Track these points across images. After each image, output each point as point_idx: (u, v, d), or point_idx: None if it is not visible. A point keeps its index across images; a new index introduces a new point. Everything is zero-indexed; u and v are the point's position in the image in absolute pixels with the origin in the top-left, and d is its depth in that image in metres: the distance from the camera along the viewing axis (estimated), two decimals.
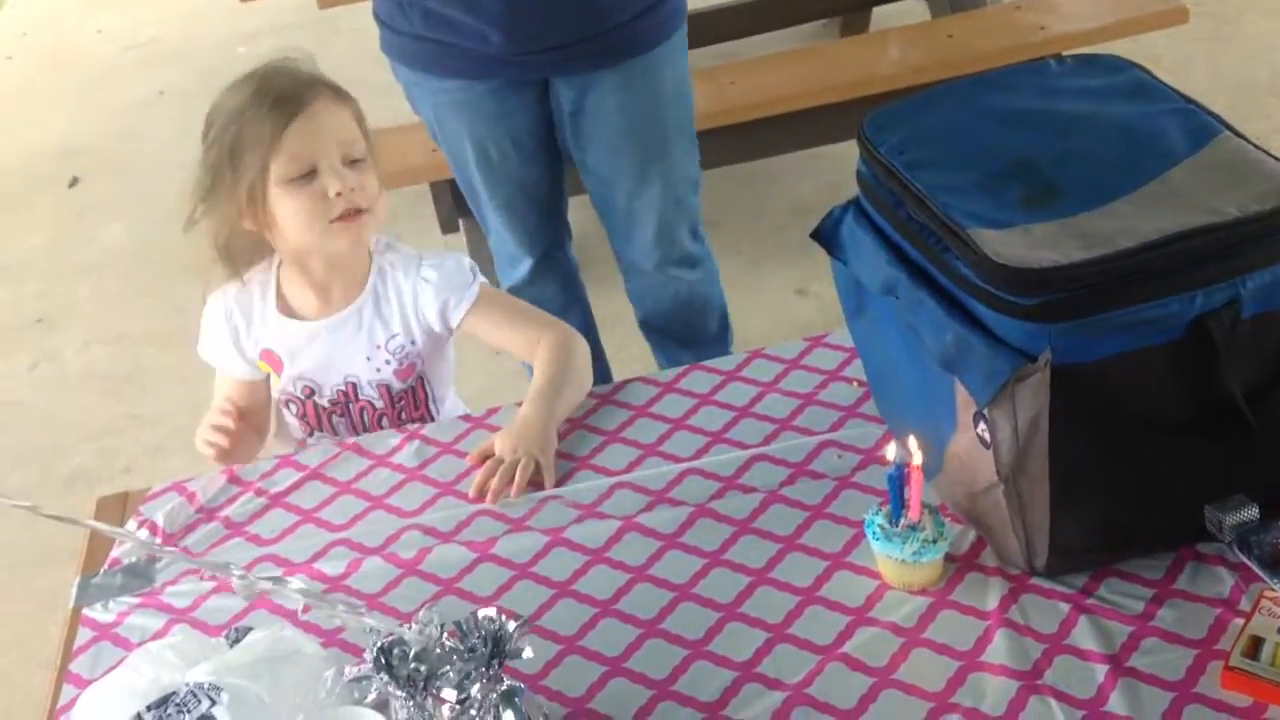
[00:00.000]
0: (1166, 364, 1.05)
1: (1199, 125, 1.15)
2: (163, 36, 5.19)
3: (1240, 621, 1.08)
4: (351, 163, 1.49)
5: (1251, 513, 1.11)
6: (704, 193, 3.38)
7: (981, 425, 1.11)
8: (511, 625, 1.05)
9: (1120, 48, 3.59)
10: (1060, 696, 1.05)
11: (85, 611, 1.29)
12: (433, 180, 2.84)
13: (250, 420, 1.62)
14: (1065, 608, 1.14)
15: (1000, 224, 1.08)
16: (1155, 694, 1.05)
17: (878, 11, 3.88)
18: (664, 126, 2.04)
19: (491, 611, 1.05)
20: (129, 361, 3.11)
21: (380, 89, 4.26)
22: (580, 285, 2.47)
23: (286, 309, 1.59)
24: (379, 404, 1.61)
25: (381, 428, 1.61)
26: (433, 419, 1.63)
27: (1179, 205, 1.06)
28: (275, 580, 1.05)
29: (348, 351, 1.58)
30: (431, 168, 2.80)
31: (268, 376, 1.62)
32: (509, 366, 2.93)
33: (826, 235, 1.30)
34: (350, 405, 1.61)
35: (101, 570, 1.33)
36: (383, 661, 1.02)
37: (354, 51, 4.69)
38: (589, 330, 2.49)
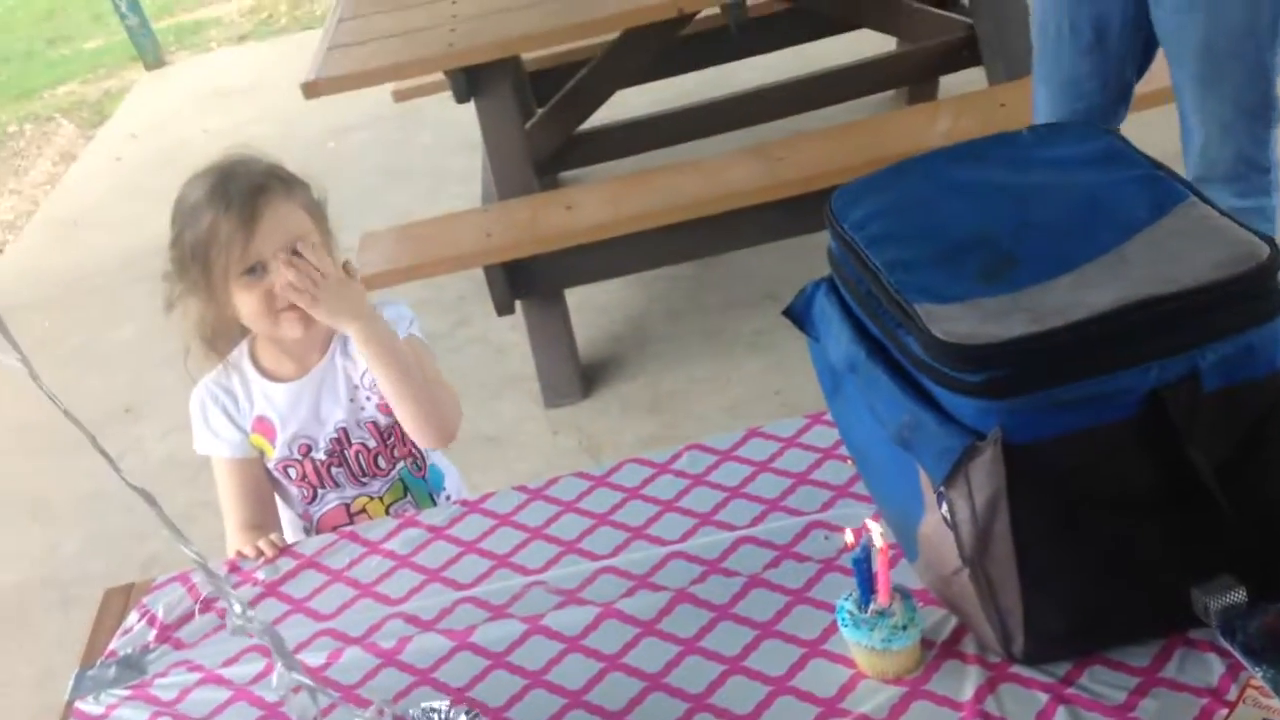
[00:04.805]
0: (1125, 441, 1.01)
1: (1163, 193, 1.10)
2: (262, 135, 5.42)
3: (1224, 712, 1.02)
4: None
5: (1238, 596, 1.04)
6: (762, 266, 3.39)
7: (944, 506, 1.07)
8: (459, 719, 1.05)
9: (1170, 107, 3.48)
10: None
11: (77, 705, 1.31)
12: (486, 264, 2.89)
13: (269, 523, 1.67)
14: (1044, 698, 1.08)
15: (952, 299, 1.05)
16: None
17: (946, 81, 3.86)
18: (1217, 54, 2.12)
19: (439, 703, 1.05)
20: None
21: (457, 176, 4.45)
22: None
23: (268, 374, 1.66)
24: (372, 444, 1.68)
25: (379, 467, 1.69)
26: (421, 455, 1.72)
27: (1133, 276, 1.02)
28: (260, 626, 1.07)
29: (332, 399, 1.66)
30: (485, 252, 2.86)
31: (261, 455, 1.66)
32: (566, 445, 2.95)
33: (799, 313, 1.28)
34: (345, 452, 1.68)
35: (98, 662, 1.37)
36: None
37: (437, 141, 4.87)
38: None
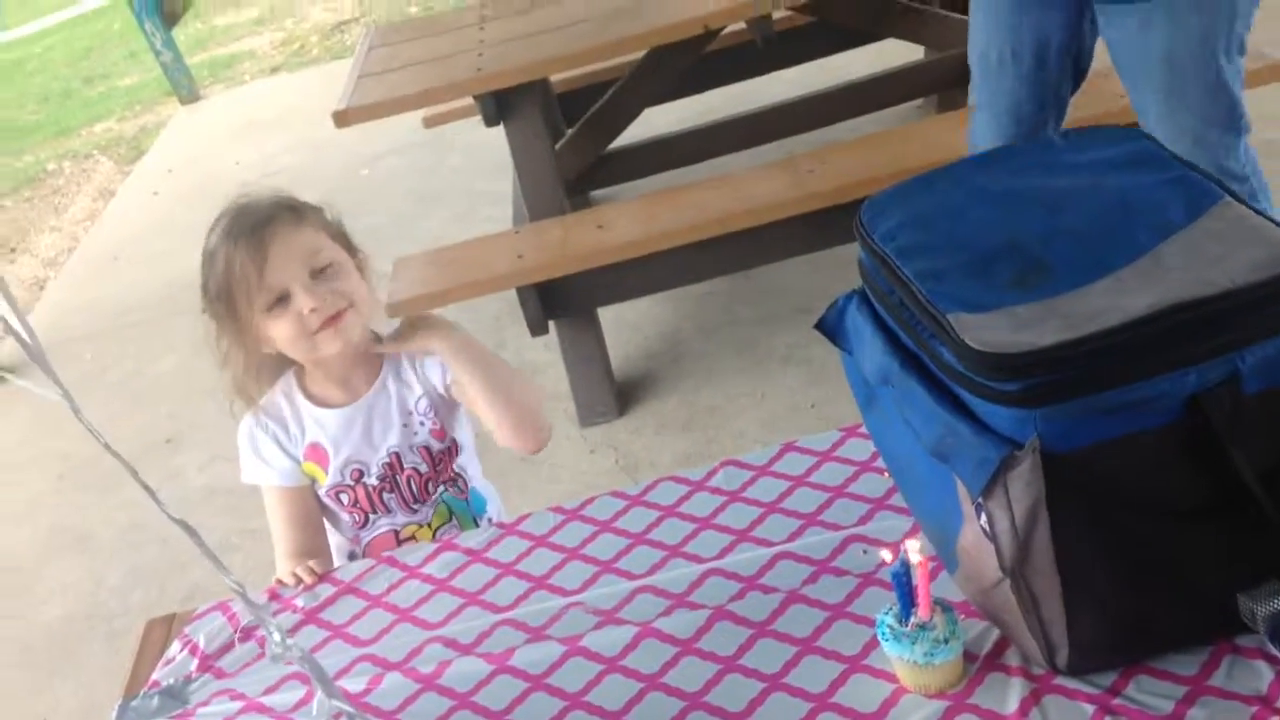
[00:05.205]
0: (1166, 448, 0.99)
1: (1198, 194, 1.09)
2: (294, 164, 5.48)
3: None
4: (320, 271, 1.58)
5: None
6: (795, 280, 3.38)
7: (983, 517, 1.06)
8: None
9: None
10: None
11: None
12: (519, 285, 2.89)
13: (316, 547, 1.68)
14: (1089, 709, 1.06)
15: (985, 307, 1.04)
16: None
17: None
18: (1179, 67, 2.12)
19: None
20: None
21: (488, 199, 4.48)
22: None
23: (318, 401, 1.67)
24: (424, 468, 1.69)
25: (429, 493, 1.70)
26: (463, 479, 1.72)
27: (1170, 279, 1.00)
28: (299, 654, 1.08)
29: (386, 424, 1.67)
30: (517, 274, 2.87)
31: (312, 484, 1.67)
32: (603, 464, 2.95)
33: (831, 326, 1.27)
34: (398, 477, 1.69)
35: (141, 693, 1.37)
36: None
37: (468, 164, 4.90)
38: None
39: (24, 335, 0.96)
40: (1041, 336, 0.98)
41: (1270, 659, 1.05)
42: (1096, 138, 1.23)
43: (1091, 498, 1.01)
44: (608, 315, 3.18)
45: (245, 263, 1.54)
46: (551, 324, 3.02)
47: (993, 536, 1.05)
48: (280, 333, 1.57)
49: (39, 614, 3.05)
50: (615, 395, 3.08)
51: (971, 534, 1.10)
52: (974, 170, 1.23)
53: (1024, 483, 1.00)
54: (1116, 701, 1.06)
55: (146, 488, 1.07)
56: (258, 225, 1.55)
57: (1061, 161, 1.20)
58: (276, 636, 1.13)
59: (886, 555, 1.12)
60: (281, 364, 1.67)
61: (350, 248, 1.64)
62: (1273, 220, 1.04)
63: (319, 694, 1.14)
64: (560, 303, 2.97)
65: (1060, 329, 0.99)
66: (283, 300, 1.56)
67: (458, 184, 4.79)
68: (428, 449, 1.68)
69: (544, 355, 3.33)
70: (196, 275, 1.64)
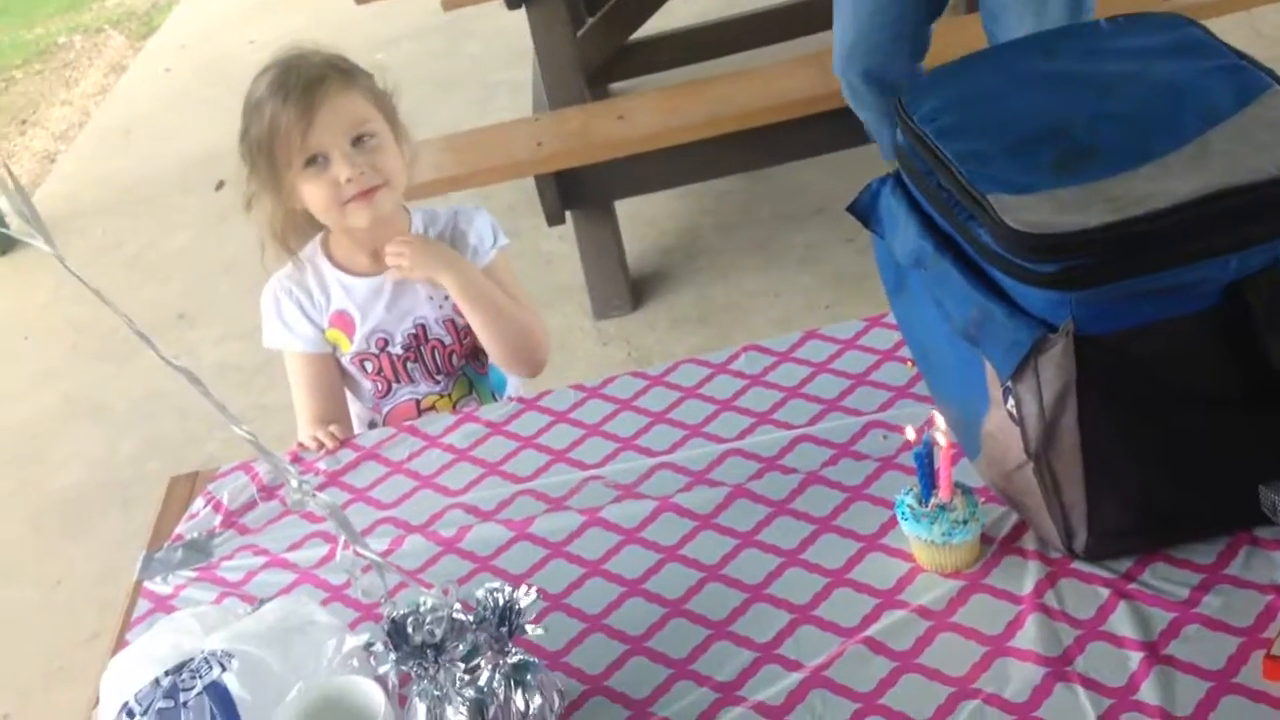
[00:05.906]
0: (1201, 334, 0.99)
1: (1248, 82, 1.07)
2: None
3: None
4: (361, 139, 1.57)
5: None
6: (813, 180, 3.35)
7: (1011, 401, 1.06)
8: (522, 598, 1.06)
9: (1243, 19, 3.37)
10: (1089, 684, 1.00)
11: (146, 584, 1.35)
12: (537, 174, 2.87)
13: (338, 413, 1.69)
14: (1105, 593, 1.08)
15: (1026, 189, 1.03)
16: (1191, 683, 0.99)
17: None
18: None
19: (501, 584, 1.06)
20: (259, 355, 3.24)
21: (507, 88, 4.41)
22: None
23: (344, 269, 1.68)
24: (448, 340, 1.70)
25: (453, 365, 1.72)
26: (485, 355, 1.73)
27: (1216, 165, 1.00)
28: (320, 501, 1.09)
29: (413, 295, 1.68)
30: (536, 162, 2.84)
31: (334, 351, 1.68)
32: (615, 356, 2.95)
33: (864, 209, 1.27)
34: (422, 348, 1.70)
35: (165, 545, 1.39)
36: (394, 632, 1.04)
37: (486, 52, 4.82)
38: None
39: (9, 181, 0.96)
40: (1087, 218, 0.98)
41: None
42: (1144, 24, 1.21)
43: (1122, 382, 1.01)
44: (624, 209, 3.15)
45: (292, 121, 1.52)
46: (568, 215, 3.00)
47: (1019, 420, 1.05)
48: (312, 195, 1.57)
49: (53, 480, 3.09)
50: (630, 289, 3.08)
51: (997, 418, 1.10)
52: (1018, 54, 1.22)
53: (1055, 366, 1.00)
54: (1132, 586, 1.08)
55: (144, 337, 1.06)
56: (310, 84, 1.54)
57: (1108, 47, 1.18)
58: (294, 483, 1.14)
59: (911, 434, 1.12)
60: (308, 227, 1.66)
61: (393, 119, 1.63)
62: None
63: (342, 549, 1.16)
64: (578, 193, 2.95)
65: (1106, 211, 0.98)
66: (319, 161, 1.55)
67: (475, 72, 4.72)
68: (453, 323, 1.69)
69: (559, 246, 3.31)
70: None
